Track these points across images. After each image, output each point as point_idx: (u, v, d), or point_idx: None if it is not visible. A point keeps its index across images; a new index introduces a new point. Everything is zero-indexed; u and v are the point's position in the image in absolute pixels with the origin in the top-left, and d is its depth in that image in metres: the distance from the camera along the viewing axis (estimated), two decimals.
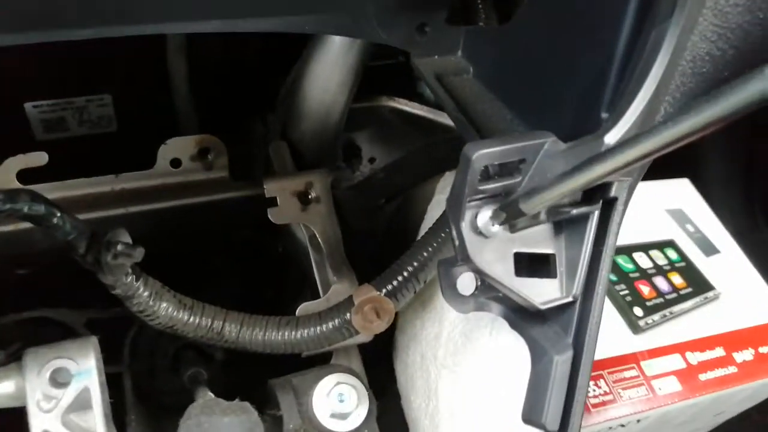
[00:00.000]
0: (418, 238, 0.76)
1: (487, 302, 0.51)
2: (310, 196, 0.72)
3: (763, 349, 1.15)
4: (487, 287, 0.50)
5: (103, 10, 0.51)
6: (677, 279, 1.20)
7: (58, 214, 0.48)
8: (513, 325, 0.50)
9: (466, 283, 0.51)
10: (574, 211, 0.45)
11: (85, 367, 0.49)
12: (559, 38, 0.53)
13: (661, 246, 1.25)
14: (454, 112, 0.56)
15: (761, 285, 1.25)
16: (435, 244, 0.63)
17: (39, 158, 0.67)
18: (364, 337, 0.67)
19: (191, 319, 0.59)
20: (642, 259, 1.20)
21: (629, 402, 0.97)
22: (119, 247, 0.50)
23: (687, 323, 1.13)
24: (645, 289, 1.16)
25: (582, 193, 0.47)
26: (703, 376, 1.07)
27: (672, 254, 1.24)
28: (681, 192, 1.38)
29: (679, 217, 1.33)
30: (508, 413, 0.56)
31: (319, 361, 0.70)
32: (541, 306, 0.47)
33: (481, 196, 0.46)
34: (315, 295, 0.72)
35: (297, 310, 0.66)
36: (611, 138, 0.42)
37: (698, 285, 1.20)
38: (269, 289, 0.92)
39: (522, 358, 0.54)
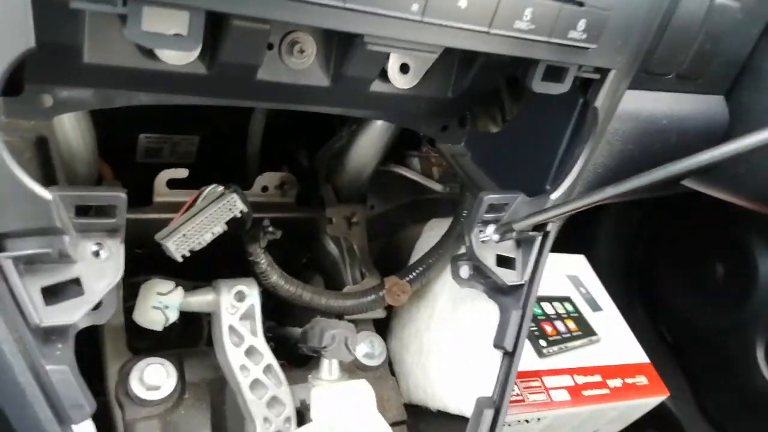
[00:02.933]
0: (413, 256, 1.12)
1: (475, 283, 0.89)
2: (352, 221, 1.06)
3: (628, 380, 1.52)
4: (476, 274, 0.88)
5: (265, 92, 0.75)
6: (571, 324, 1.58)
7: (247, 205, 0.81)
8: (489, 296, 0.88)
9: (465, 271, 0.89)
10: (530, 233, 0.85)
11: (253, 292, 0.80)
12: (523, 141, 0.92)
13: (561, 300, 1.63)
14: (464, 178, 0.94)
15: (630, 336, 1.63)
16: (434, 257, 1.00)
17: (182, 173, 0.96)
18: (380, 313, 1.01)
19: (286, 285, 0.91)
20: (547, 307, 1.59)
21: (533, 403, 1.32)
22: (269, 229, 0.85)
23: (576, 356, 1.50)
24: (548, 328, 1.53)
25: (534, 226, 0.86)
26: (585, 392, 1.43)
27: (568, 306, 1.62)
28: (578, 264, 1.77)
29: (576, 282, 1.72)
30: (480, 351, 0.92)
31: None
32: (508, 284, 0.85)
33: (482, 220, 0.85)
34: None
35: (343, 290, 1.00)
36: (554, 196, 0.82)
37: (585, 330, 1.58)
38: None
39: (488, 321, 0.91)
